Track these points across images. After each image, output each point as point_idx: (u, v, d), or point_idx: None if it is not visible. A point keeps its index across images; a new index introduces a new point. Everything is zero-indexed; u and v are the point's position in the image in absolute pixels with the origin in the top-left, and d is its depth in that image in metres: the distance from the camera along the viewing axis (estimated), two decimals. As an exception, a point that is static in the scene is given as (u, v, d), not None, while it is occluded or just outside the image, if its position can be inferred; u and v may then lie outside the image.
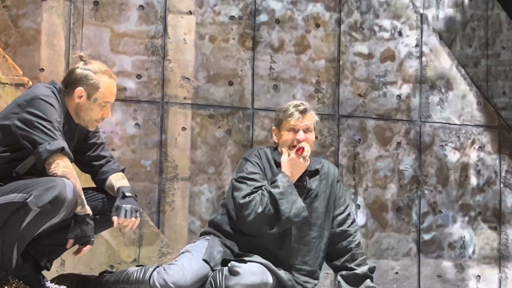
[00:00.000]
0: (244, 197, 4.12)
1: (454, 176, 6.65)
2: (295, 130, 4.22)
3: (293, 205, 4.11)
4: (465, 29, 7.01)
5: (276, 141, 4.31)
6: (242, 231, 4.22)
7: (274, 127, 4.33)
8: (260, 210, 4.08)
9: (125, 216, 3.86)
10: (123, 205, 3.87)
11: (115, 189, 3.96)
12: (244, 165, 4.26)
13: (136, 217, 3.88)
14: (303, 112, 4.24)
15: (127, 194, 3.93)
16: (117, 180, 3.99)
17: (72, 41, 5.74)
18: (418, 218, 6.51)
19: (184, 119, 5.98)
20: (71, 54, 5.70)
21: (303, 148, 4.16)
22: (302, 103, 4.29)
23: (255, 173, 4.21)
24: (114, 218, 3.86)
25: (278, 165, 4.26)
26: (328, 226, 4.31)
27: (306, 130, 4.24)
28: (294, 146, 4.20)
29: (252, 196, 4.11)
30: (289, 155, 4.19)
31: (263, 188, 4.14)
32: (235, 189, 4.20)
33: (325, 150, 6.28)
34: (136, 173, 5.81)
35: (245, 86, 6.16)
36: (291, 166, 4.18)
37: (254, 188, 4.14)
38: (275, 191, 4.11)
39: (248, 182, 4.17)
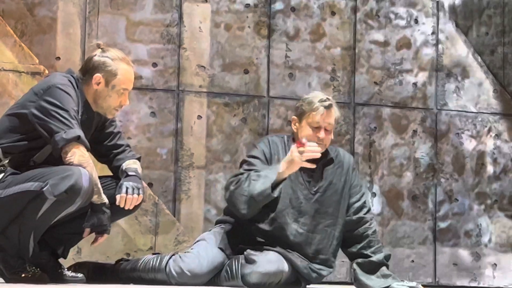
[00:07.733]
0: (230, 178, 4.18)
1: (470, 164, 6.62)
2: (317, 128, 4.17)
3: (261, 185, 4.04)
4: (482, 17, 6.96)
5: (295, 131, 4.26)
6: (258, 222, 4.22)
7: (294, 117, 4.26)
8: (232, 188, 4.09)
9: (126, 193, 3.88)
10: (125, 183, 3.91)
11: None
12: (251, 151, 4.32)
13: (138, 194, 3.90)
14: (328, 107, 4.18)
15: (130, 173, 3.96)
16: (128, 165, 4.01)
17: (88, 29, 5.75)
18: (434, 206, 6.50)
19: (199, 107, 5.98)
20: (87, 43, 5.71)
21: (304, 144, 4.02)
22: (328, 98, 4.21)
23: (255, 157, 4.21)
24: (117, 196, 3.88)
25: None
26: (343, 214, 4.30)
27: (327, 128, 4.20)
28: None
29: (237, 177, 4.13)
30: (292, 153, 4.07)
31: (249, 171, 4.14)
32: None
33: (341, 138, 6.27)
34: (152, 162, 5.82)
35: (261, 74, 6.15)
36: (287, 162, 4.09)
37: (244, 170, 4.16)
38: (254, 173, 4.09)
39: (244, 166, 4.20)
